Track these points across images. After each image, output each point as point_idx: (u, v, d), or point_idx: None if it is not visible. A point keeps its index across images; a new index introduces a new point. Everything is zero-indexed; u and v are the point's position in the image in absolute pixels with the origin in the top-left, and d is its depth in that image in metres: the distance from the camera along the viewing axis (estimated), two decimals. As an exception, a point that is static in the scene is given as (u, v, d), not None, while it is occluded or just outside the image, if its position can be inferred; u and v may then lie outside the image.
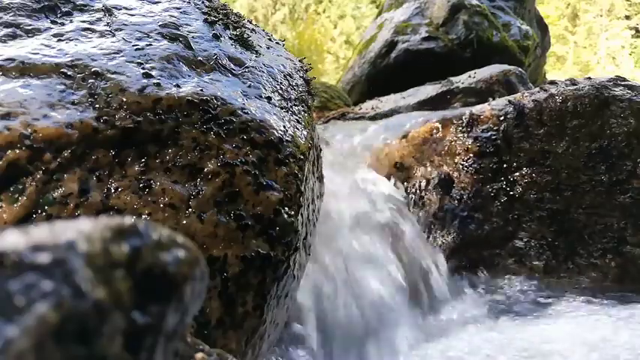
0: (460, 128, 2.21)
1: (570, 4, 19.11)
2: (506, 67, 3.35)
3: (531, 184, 2.03)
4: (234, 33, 1.29)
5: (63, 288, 0.28)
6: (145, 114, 0.93)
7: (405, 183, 2.26)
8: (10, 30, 0.98)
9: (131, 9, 1.17)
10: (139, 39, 1.07)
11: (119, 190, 0.85)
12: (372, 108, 3.45)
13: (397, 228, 1.94)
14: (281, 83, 1.25)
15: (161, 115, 0.94)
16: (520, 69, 3.37)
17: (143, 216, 0.85)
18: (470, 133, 2.18)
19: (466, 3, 4.26)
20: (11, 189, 0.78)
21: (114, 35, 1.06)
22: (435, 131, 2.28)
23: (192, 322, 0.82)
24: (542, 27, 5.66)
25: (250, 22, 1.46)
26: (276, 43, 1.47)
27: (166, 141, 0.94)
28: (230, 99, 1.05)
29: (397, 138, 2.38)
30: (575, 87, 2.08)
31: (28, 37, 0.99)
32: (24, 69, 0.90)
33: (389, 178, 2.30)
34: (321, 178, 1.41)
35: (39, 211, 0.79)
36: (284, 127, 1.11)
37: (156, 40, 1.09)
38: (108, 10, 1.12)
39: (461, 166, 2.13)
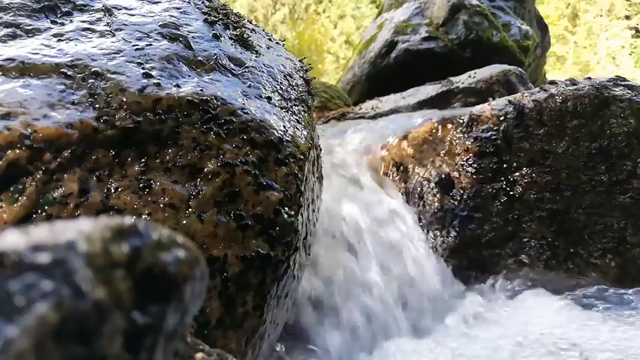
0: (460, 128, 2.21)
1: (570, 4, 19.11)
2: (506, 67, 3.35)
3: (531, 184, 2.03)
4: (234, 33, 1.29)
5: (63, 288, 0.28)
6: (145, 114, 0.93)
7: (405, 183, 2.26)
8: (10, 30, 0.98)
9: (131, 9, 1.17)
10: (139, 39, 1.07)
11: (119, 190, 0.85)
12: (372, 108, 3.45)
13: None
14: (281, 83, 1.25)
15: (161, 115, 0.94)
16: (520, 69, 3.37)
17: (143, 216, 0.85)
18: (470, 133, 2.18)
19: (466, 3, 4.26)
20: (11, 189, 0.78)
21: (114, 35, 1.06)
22: (435, 131, 2.28)
23: (192, 322, 0.82)
24: (542, 27, 5.66)
25: (250, 22, 1.46)
26: (276, 43, 1.47)
27: (166, 141, 0.94)
28: (230, 99, 1.05)
29: (397, 138, 2.38)
30: (575, 87, 2.08)
31: (28, 37, 0.99)
32: (24, 69, 0.90)
33: (388, 178, 2.30)
34: (321, 178, 1.41)
35: (39, 211, 0.79)
36: (284, 127, 1.11)
37: (156, 40, 1.09)
38: (108, 10, 1.12)
39: (461, 166, 2.13)
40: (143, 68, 1.00)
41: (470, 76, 3.31)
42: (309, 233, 1.18)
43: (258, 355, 1.00)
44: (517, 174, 2.06)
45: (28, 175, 0.79)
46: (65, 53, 0.96)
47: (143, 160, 0.90)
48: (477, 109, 2.24)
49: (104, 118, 0.89)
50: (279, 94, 1.21)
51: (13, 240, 0.29)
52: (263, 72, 1.23)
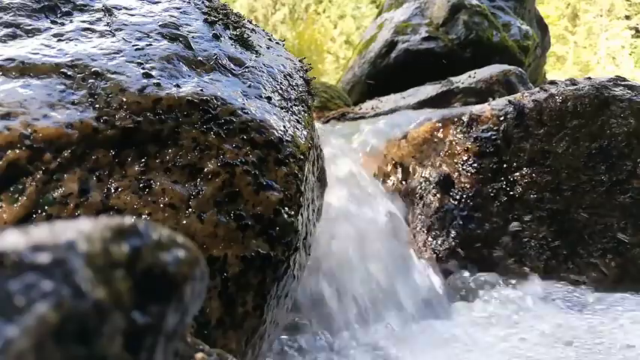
0: (460, 128, 2.21)
1: (570, 4, 19.11)
2: (506, 67, 3.35)
3: (531, 184, 2.03)
4: (234, 33, 1.29)
5: (63, 288, 0.28)
6: (145, 114, 0.93)
7: (405, 183, 2.26)
8: (10, 30, 0.98)
9: (131, 9, 1.17)
10: (139, 39, 1.07)
11: (119, 190, 0.85)
12: (372, 108, 3.45)
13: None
14: (281, 83, 1.25)
15: (161, 115, 0.94)
16: (520, 69, 3.37)
17: (143, 216, 0.85)
18: (470, 133, 2.18)
19: (466, 3, 4.26)
20: (11, 189, 0.78)
21: (114, 35, 1.06)
22: (435, 131, 2.28)
23: (192, 322, 0.82)
24: (542, 27, 5.67)
25: (250, 22, 1.46)
26: (276, 43, 1.47)
27: (166, 141, 0.94)
28: (230, 99, 1.05)
29: (397, 138, 2.38)
30: (575, 87, 2.08)
31: (28, 37, 0.99)
32: (24, 69, 0.90)
33: (388, 177, 2.30)
34: (321, 178, 1.41)
35: (39, 211, 0.79)
36: (284, 127, 1.11)
37: (156, 40, 1.09)
38: (108, 10, 1.12)
39: (461, 166, 2.13)
40: (143, 68, 1.00)
41: (470, 76, 3.31)
42: (309, 233, 1.18)
43: (258, 355, 1.00)
44: (517, 174, 2.06)
45: (28, 175, 0.79)
46: (65, 53, 0.96)
47: (143, 160, 0.90)
48: (476, 109, 2.24)
49: (104, 118, 0.89)
50: (279, 94, 1.21)
51: (13, 240, 0.29)
52: (263, 72, 1.23)
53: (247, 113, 1.05)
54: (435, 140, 2.26)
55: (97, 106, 0.90)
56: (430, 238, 2.10)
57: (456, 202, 2.09)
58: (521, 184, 2.04)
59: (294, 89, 1.29)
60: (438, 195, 2.14)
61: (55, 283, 0.28)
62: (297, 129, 1.16)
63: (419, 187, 2.20)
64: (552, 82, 2.19)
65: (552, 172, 2.01)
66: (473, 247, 2.02)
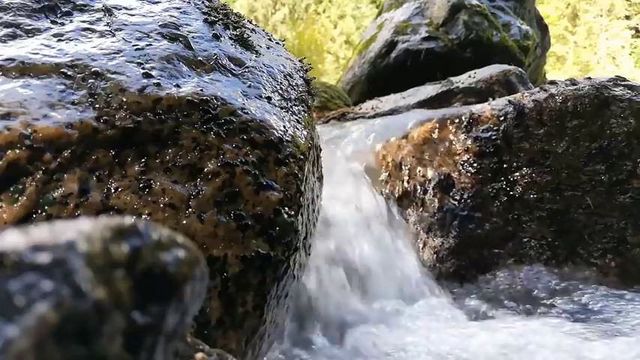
0: (460, 128, 2.21)
1: (570, 4, 19.11)
2: (506, 67, 3.35)
3: (531, 184, 2.03)
4: (234, 33, 1.29)
5: (63, 288, 0.28)
6: (145, 114, 0.93)
7: (405, 183, 2.26)
8: (10, 30, 0.98)
9: (131, 9, 1.17)
10: (139, 39, 1.07)
11: (119, 190, 0.85)
12: (372, 108, 3.45)
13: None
14: (281, 83, 1.25)
15: (161, 115, 0.94)
16: (520, 69, 3.37)
17: (143, 216, 0.85)
18: (470, 133, 2.18)
19: (466, 3, 4.26)
20: (11, 189, 0.78)
21: (114, 35, 1.06)
22: (434, 131, 2.28)
23: (192, 322, 0.82)
24: (542, 27, 5.66)
25: (250, 22, 1.46)
26: (276, 43, 1.47)
27: (166, 141, 0.93)
28: (230, 99, 1.05)
29: (397, 138, 2.38)
30: (575, 87, 2.08)
31: (28, 37, 0.99)
32: (24, 69, 0.90)
33: (389, 178, 2.30)
34: (321, 178, 1.41)
35: (39, 211, 0.79)
36: (284, 127, 1.11)
37: (156, 40, 1.09)
38: (108, 10, 1.12)
39: (461, 166, 2.13)
40: (143, 68, 1.00)
41: (470, 76, 3.31)
42: (309, 233, 1.18)
43: (258, 355, 1.00)
44: (517, 174, 2.06)
45: (28, 175, 0.79)
46: (65, 53, 0.96)
47: (143, 160, 0.90)
48: (477, 109, 2.24)
49: (104, 118, 0.89)
50: (279, 94, 1.21)
51: (13, 240, 0.29)
52: (263, 72, 1.23)
53: (247, 113, 1.05)
54: (435, 140, 2.26)
55: (97, 106, 0.90)
56: (430, 238, 2.10)
57: (456, 202, 2.09)
58: (521, 184, 2.04)
59: (294, 89, 1.29)
60: (438, 195, 2.14)
61: (55, 283, 0.28)
62: (297, 129, 1.16)
63: (419, 187, 2.20)
64: (552, 82, 2.19)
65: (552, 172, 2.01)
66: (473, 247, 2.02)
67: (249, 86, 1.15)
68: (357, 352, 1.44)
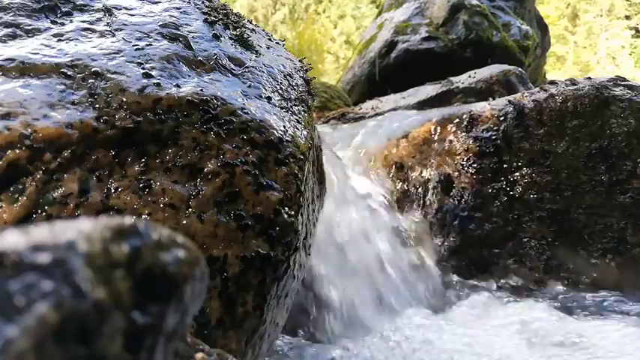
0: (460, 128, 2.21)
1: (570, 4, 19.11)
2: (506, 67, 3.35)
3: (531, 184, 2.03)
4: (234, 33, 1.29)
5: (63, 288, 0.28)
6: (145, 114, 0.93)
7: (405, 183, 2.26)
8: (10, 30, 0.98)
9: (131, 9, 1.17)
10: (139, 39, 1.07)
11: (119, 190, 0.85)
12: (372, 108, 3.45)
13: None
14: (281, 83, 1.25)
15: (161, 115, 0.94)
16: (520, 69, 3.37)
17: (143, 216, 0.85)
18: (470, 133, 2.18)
19: (466, 3, 4.26)
20: (11, 189, 0.78)
21: (114, 35, 1.06)
22: (435, 131, 2.28)
23: (192, 322, 0.82)
24: (542, 27, 5.67)
25: (250, 22, 1.46)
26: (276, 43, 1.47)
27: (166, 141, 0.93)
28: (230, 99, 1.05)
29: (397, 138, 2.38)
30: (575, 87, 2.08)
31: (28, 37, 0.99)
32: (24, 69, 0.90)
33: (389, 178, 2.30)
34: (321, 179, 1.41)
35: (39, 211, 0.79)
36: (284, 127, 1.11)
37: (156, 40, 1.09)
38: (108, 10, 1.12)
39: (461, 166, 2.13)
40: (143, 68, 1.00)
41: (470, 76, 3.31)
42: (309, 233, 1.18)
43: (258, 355, 1.00)
44: (517, 174, 2.06)
45: (28, 175, 0.79)
46: (65, 53, 0.96)
47: (143, 160, 0.90)
48: (477, 109, 2.24)
49: (104, 118, 0.89)
50: (279, 94, 1.21)
51: (13, 240, 0.29)
52: (263, 72, 1.23)
53: (247, 113, 1.05)
54: (435, 140, 2.26)
55: (97, 106, 0.90)
56: (430, 238, 2.10)
57: (456, 202, 2.09)
58: (521, 184, 2.04)
59: (294, 89, 1.29)
60: (438, 195, 2.14)
61: (55, 283, 0.28)
62: (297, 129, 1.16)
63: (419, 187, 2.20)
64: (552, 82, 2.19)
65: (552, 172, 2.01)
66: (473, 246, 2.02)
67: (249, 86, 1.15)
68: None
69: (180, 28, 1.16)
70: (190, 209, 0.89)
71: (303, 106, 1.27)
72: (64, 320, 0.27)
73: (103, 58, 0.98)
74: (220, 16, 1.30)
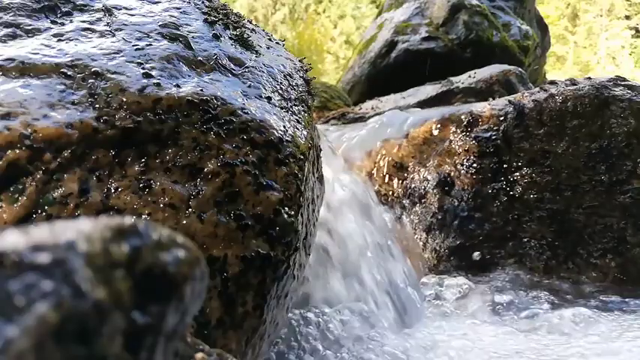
0: (460, 128, 2.21)
1: (570, 4, 19.12)
2: (506, 67, 3.35)
3: (531, 184, 2.03)
4: (234, 33, 1.29)
5: (63, 288, 0.28)
6: (145, 114, 0.93)
7: (405, 183, 2.26)
8: (10, 30, 0.98)
9: (131, 9, 1.17)
10: (139, 39, 1.07)
11: (119, 190, 0.85)
12: (372, 108, 3.45)
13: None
14: (281, 83, 1.25)
15: (161, 115, 0.94)
16: (520, 69, 3.37)
17: (143, 216, 0.85)
18: (470, 133, 2.18)
19: (466, 3, 4.26)
20: (11, 189, 0.78)
21: (114, 35, 1.06)
22: (434, 131, 2.28)
23: (192, 322, 0.82)
24: (542, 27, 5.67)
25: (250, 22, 1.46)
26: (276, 43, 1.47)
27: (166, 141, 0.93)
28: (230, 99, 1.05)
29: (397, 138, 2.38)
30: (575, 87, 2.08)
31: (28, 37, 0.99)
32: (24, 69, 0.90)
33: (388, 178, 2.30)
34: (321, 179, 1.41)
35: (39, 211, 0.79)
36: (284, 127, 1.11)
37: (156, 40, 1.09)
38: (108, 10, 1.12)
39: (461, 166, 2.13)
40: (143, 68, 1.00)
41: (470, 76, 3.31)
42: (309, 233, 1.18)
43: (258, 354, 1.00)
44: (517, 174, 2.06)
45: (28, 175, 0.79)
46: (65, 53, 0.96)
47: (143, 160, 0.90)
48: (477, 109, 2.24)
49: (104, 118, 0.89)
50: (279, 94, 1.21)
51: (13, 240, 0.29)
52: (263, 72, 1.23)
53: (247, 113, 1.05)
54: (435, 140, 2.26)
55: (97, 106, 0.90)
56: (430, 238, 2.10)
57: (456, 202, 2.09)
58: (521, 184, 2.04)
59: (294, 89, 1.29)
60: (438, 195, 2.14)
61: (55, 283, 0.28)
62: (297, 129, 1.16)
63: (419, 187, 2.20)
64: (552, 82, 2.19)
65: (552, 172, 2.01)
66: (473, 247, 2.02)
67: (249, 86, 1.15)
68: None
69: (180, 28, 1.16)
70: (190, 209, 0.89)
71: (303, 106, 1.27)
72: (64, 320, 0.27)
73: (103, 58, 0.98)
74: (220, 16, 1.30)
